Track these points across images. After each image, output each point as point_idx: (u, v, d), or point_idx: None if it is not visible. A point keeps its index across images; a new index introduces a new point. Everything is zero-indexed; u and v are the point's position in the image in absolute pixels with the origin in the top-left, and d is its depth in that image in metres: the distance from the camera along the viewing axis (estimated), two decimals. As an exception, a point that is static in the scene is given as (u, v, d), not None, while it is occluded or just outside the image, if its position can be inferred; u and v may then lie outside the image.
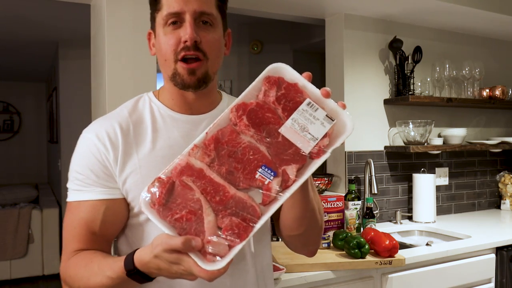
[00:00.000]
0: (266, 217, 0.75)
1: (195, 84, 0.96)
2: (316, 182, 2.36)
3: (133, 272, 0.82)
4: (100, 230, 0.95)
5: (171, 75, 0.96)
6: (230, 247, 0.73)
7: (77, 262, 0.93)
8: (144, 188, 0.78)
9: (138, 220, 0.97)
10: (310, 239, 1.04)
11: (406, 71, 2.54)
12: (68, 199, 0.98)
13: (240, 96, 0.80)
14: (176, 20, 0.94)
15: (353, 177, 2.39)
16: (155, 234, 0.80)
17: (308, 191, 0.92)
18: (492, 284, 2.15)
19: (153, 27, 1.01)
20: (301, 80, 0.79)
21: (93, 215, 0.94)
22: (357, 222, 2.18)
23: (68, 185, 0.98)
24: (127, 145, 0.96)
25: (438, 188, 2.79)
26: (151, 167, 0.94)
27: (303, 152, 0.76)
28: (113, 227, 0.97)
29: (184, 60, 0.94)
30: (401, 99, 2.52)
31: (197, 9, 0.93)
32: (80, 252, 0.94)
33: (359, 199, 2.21)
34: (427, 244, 2.21)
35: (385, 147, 2.62)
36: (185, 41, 0.92)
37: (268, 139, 0.78)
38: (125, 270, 0.83)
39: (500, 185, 3.06)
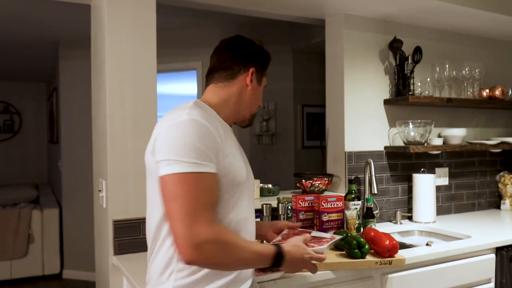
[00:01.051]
0: (326, 246, 1.52)
1: (243, 127, 1.45)
2: (316, 182, 2.36)
3: (279, 255, 1.24)
4: (217, 200, 1.17)
5: (241, 117, 1.39)
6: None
7: (233, 234, 1.17)
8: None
9: (234, 184, 1.24)
10: None
11: (406, 71, 2.54)
12: (183, 170, 1.10)
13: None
14: None
15: (353, 177, 2.40)
16: (226, 201, 1.22)
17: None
18: (492, 284, 2.15)
19: (258, 74, 1.39)
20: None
21: (215, 186, 1.16)
22: (357, 222, 2.18)
23: (179, 157, 1.10)
24: (222, 135, 1.21)
25: (438, 188, 2.79)
26: (234, 154, 1.26)
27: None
28: (217, 196, 1.19)
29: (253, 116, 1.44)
30: (401, 99, 2.52)
31: None
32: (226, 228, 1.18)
33: (359, 199, 2.21)
34: (427, 244, 2.21)
35: (385, 147, 2.62)
36: (260, 105, 1.44)
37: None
38: (275, 251, 1.24)
39: (500, 185, 3.06)
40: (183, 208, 1.08)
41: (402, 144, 2.58)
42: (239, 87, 1.35)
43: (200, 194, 1.10)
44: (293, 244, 1.32)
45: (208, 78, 1.38)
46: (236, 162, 1.24)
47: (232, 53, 1.34)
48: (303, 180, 2.38)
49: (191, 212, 1.08)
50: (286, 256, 1.26)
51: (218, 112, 1.31)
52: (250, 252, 1.18)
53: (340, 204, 2.07)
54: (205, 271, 1.18)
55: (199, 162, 1.11)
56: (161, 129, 1.17)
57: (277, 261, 1.24)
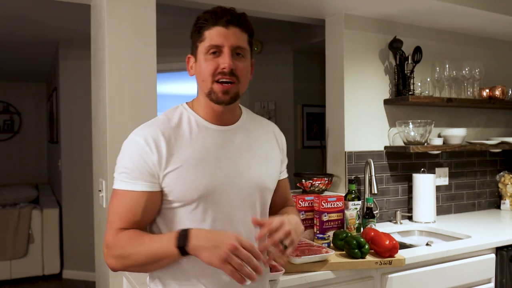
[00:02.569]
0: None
1: (227, 101, 1.20)
2: (316, 182, 2.36)
3: (184, 233, 1.10)
4: (141, 216, 1.17)
5: (207, 92, 1.21)
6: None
7: (129, 234, 1.15)
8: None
9: (171, 206, 1.19)
10: None
11: (406, 71, 2.54)
12: (115, 186, 1.18)
13: None
14: (216, 50, 1.18)
15: (353, 177, 2.39)
16: (183, 217, 1.18)
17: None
18: (492, 284, 2.15)
19: (194, 53, 1.24)
20: None
21: (136, 203, 1.16)
22: (357, 222, 2.18)
23: (115, 175, 1.19)
24: (169, 149, 1.17)
25: (438, 188, 2.79)
26: (189, 165, 1.17)
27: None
28: (150, 214, 1.19)
29: (219, 82, 1.18)
30: (401, 99, 2.52)
31: (234, 44, 1.18)
32: (129, 230, 1.16)
33: (359, 199, 2.21)
34: (427, 244, 2.21)
35: (385, 147, 2.62)
36: (223, 68, 1.17)
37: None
38: (178, 233, 1.10)
39: (500, 185, 3.06)
40: (107, 219, 1.19)
41: (402, 144, 2.58)
42: (193, 74, 1.27)
43: (120, 209, 1.17)
44: (213, 232, 1.13)
45: None
46: (187, 177, 1.16)
47: None
48: (303, 180, 2.38)
49: (109, 222, 1.18)
50: (191, 234, 1.10)
51: (196, 105, 1.26)
52: (148, 243, 1.13)
53: (340, 204, 2.07)
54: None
55: (127, 181, 1.16)
56: None
57: (183, 240, 1.09)
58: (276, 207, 1.44)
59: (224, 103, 1.20)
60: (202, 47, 1.20)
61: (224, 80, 1.18)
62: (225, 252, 1.05)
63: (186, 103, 1.30)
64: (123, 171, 1.17)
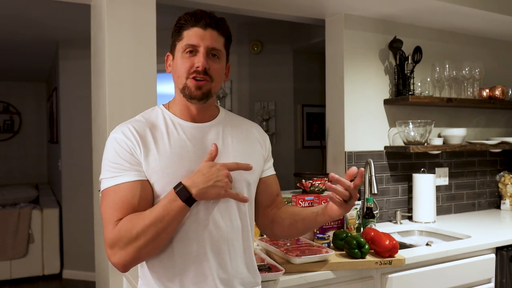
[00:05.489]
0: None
1: (199, 96, 1.24)
2: (316, 182, 2.36)
3: (179, 186, 1.13)
4: (138, 205, 1.17)
5: (181, 88, 1.25)
6: None
7: (128, 217, 1.14)
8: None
9: (158, 200, 1.19)
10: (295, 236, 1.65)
11: (406, 71, 2.54)
12: (105, 187, 1.19)
13: None
14: (192, 50, 1.23)
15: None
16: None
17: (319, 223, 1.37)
18: (492, 284, 2.15)
19: (172, 51, 1.29)
20: None
21: (133, 193, 1.17)
22: (357, 222, 2.18)
23: (103, 175, 1.20)
24: (146, 143, 1.21)
25: (438, 188, 2.79)
26: (167, 160, 1.21)
27: None
28: (147, 203, 1.19)
29: (194, 78, 1.22)
30: (401, 99, 2.52)
31: (209, 45, 1.23)
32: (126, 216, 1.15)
33: (359, 199, 2.21)
34: (427, 244, 2.21)
35: (385, 147, 2.62)
36: (198, 67, 1.21)
37: None
38: (175, 191, 1.13)
39: (500, 185, 3.06)
40: (103, 220, 1.18)
41: (402, 144, 2.58)
42: (170, 71, 1.31)
43: (113, 203, 1.17)
44: (201, 171, 1.16)
45: None
46: (164, 172, 1.19)
47: None
48: (303, 180, 2.38)
49: (107, 220, 1.17)
50: (188, 183, 1.14)
51: (172, 105, 1.31)
52: (153, 213, 1.13)
53: (340, 204, 2.07)
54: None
55: (118, 175, 1.18)
56: None
57: (185, 191, 1.13)
58: (266, 202, 1.44)
59: (196, 98, 1.23)
60: (179, 46, 1.25)
61: (198, 78, 1.22)
62: (226, 182, 1.15)
63: (163, 104, 1.35)
64: (110, 167, 1.19)
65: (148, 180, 1.19)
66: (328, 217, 1.32)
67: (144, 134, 1.22)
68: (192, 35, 1.23)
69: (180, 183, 1.14)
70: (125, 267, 1.16)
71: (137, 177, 1.18)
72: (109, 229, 1.15)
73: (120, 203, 1.16)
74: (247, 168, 1.22)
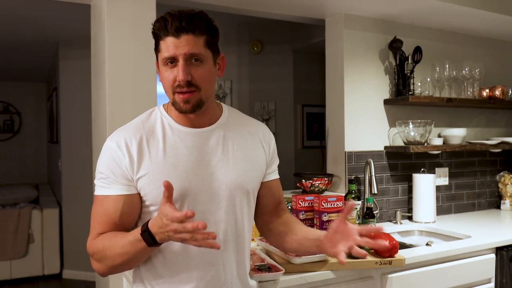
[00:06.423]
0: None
1: (190, 110, 1.18)
2: (316, 182, 2.36)
3: (145, 230, 1.07)
4: (120, 220, 1.18)
5: (171, 102, 1.20)
6: None
7: (104, 237, 1.17)
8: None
9: (149, 210, 1.20)
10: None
11: (406, 71, 2.54)
12: (96, 193, 1.21)
13: None
14: (172, 60, 1.15)
15: (353, 177, 2.39)
16: None
17: None
18: (492, 284, 2.15)
19: (157, 60, 1.22)
20: None
21: (114, 207, 1.17)
22: (357, 222, 2.18)
23: (95, 182, 1.22)
24: (141, 153, 1.19)
25: (438, 188, 2.79)
26: (161, 170, 1.18)
27: None
28: (129, 217, 1.20)
29: (179, 93, 1.16)
30: (401, 99, 2.52)
31: (187, 52, 1.13)
32: (105, 233, 1.18)
33: (359, 199, 2.21)
34: (427, 244, 2.21)
35: (385, 147, 2.62)
36: (178, 81, 1.14)
37: None
38: (141, 228, 1.09)
39: (500, 185, 3.06)
40: (90, 226, 1.23)
41: (402, 144, 2.58)
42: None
43: (97, 214, 1.20)
44: (156, 219, 1.08)
45: None
46: (158, 182, 1.14)
47: None
48: (303, 180, 2.38)
49: (91, 228, 1.22)
50: (152, 229, 1.07)
51: (170, 108, 1.24)
52: (122, 245, 1.12)
53: (340, 204, 2.07)
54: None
55: (104, 186, 1.19)
56: None
57: (148, 237, 1.07)
58: (267, 208, 1.40)
59: (187, 112, 1.18)
60: (160, 58, 1.18)
61: (182, 91, 1.15)
62: (173, 230, 1.02)
63: (163, 105, 1.29)
64: (100, 177, 1.20)
65: (138, 193, 1.19)
66: (320, 253, 1.37)
67: (138, 143, 1.19)
68: (167, 46, 1.14)
69: (146, 225, 1.08)
70: (103, 275, 1.22)
71: (122, 191, 1.17)
72: (90, 238, 1.20)
73: (102, 216, 1.19)
74: (192, 215, 1.02)
